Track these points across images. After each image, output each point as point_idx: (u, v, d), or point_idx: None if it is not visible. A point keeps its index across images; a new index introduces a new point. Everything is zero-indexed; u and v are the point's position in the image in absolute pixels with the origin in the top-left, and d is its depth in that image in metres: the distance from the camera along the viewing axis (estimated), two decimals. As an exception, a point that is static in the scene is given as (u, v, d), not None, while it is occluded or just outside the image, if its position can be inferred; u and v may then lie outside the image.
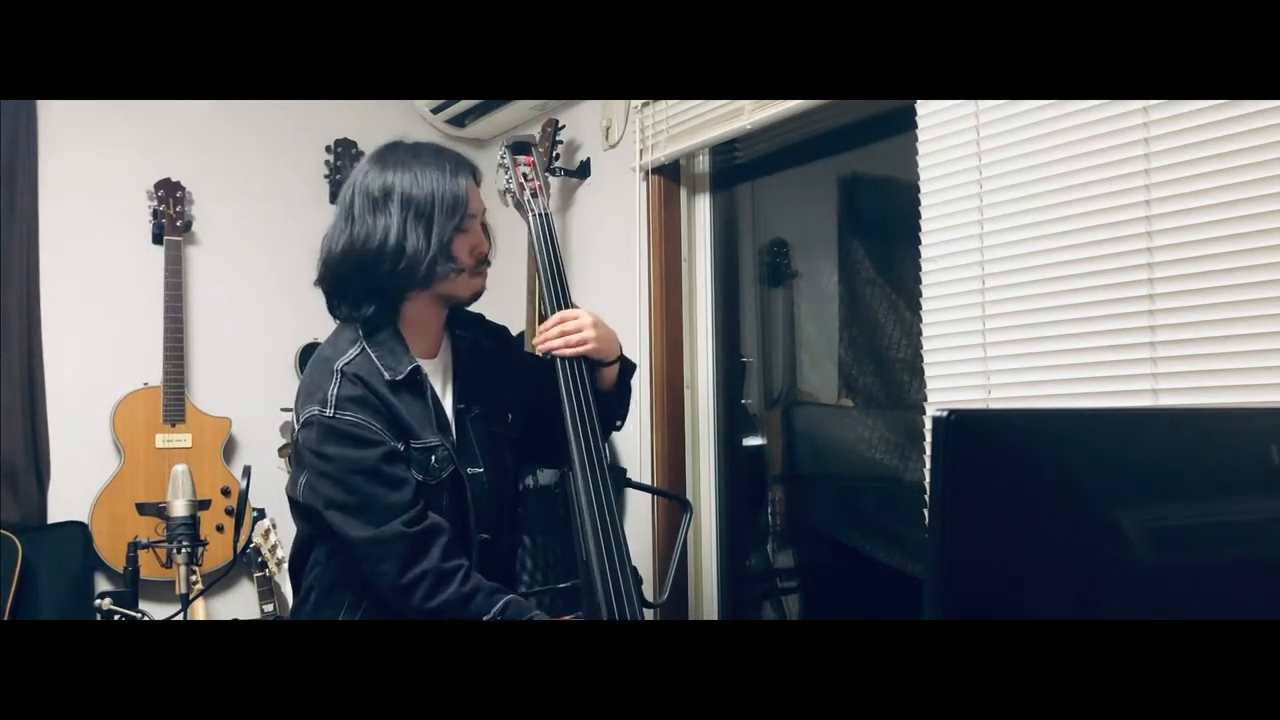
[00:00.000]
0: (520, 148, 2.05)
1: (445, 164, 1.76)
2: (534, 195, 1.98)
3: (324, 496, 1.70)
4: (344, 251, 1.74)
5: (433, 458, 1.73)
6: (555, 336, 1.85)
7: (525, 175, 2.00)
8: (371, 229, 1.72)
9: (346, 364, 1.72)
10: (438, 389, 1.81)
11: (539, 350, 1.87)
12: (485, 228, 1.84)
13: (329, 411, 1.68)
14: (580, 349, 1.84)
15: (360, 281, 1.75)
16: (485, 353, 1.90)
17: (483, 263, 1.81)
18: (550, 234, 1.95)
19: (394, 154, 1.78)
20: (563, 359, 1.85)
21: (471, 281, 1.81)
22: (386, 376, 1.72)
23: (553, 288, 1.92)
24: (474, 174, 1.82)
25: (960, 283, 1.98)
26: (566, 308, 1.90)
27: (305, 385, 1.76)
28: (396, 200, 1.72)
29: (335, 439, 1.68)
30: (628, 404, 1.98)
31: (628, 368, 1.96)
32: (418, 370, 1.76)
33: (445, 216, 1.72)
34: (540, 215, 1.96)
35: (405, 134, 1.85)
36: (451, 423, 1.80)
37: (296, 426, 1.76)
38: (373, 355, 1.73)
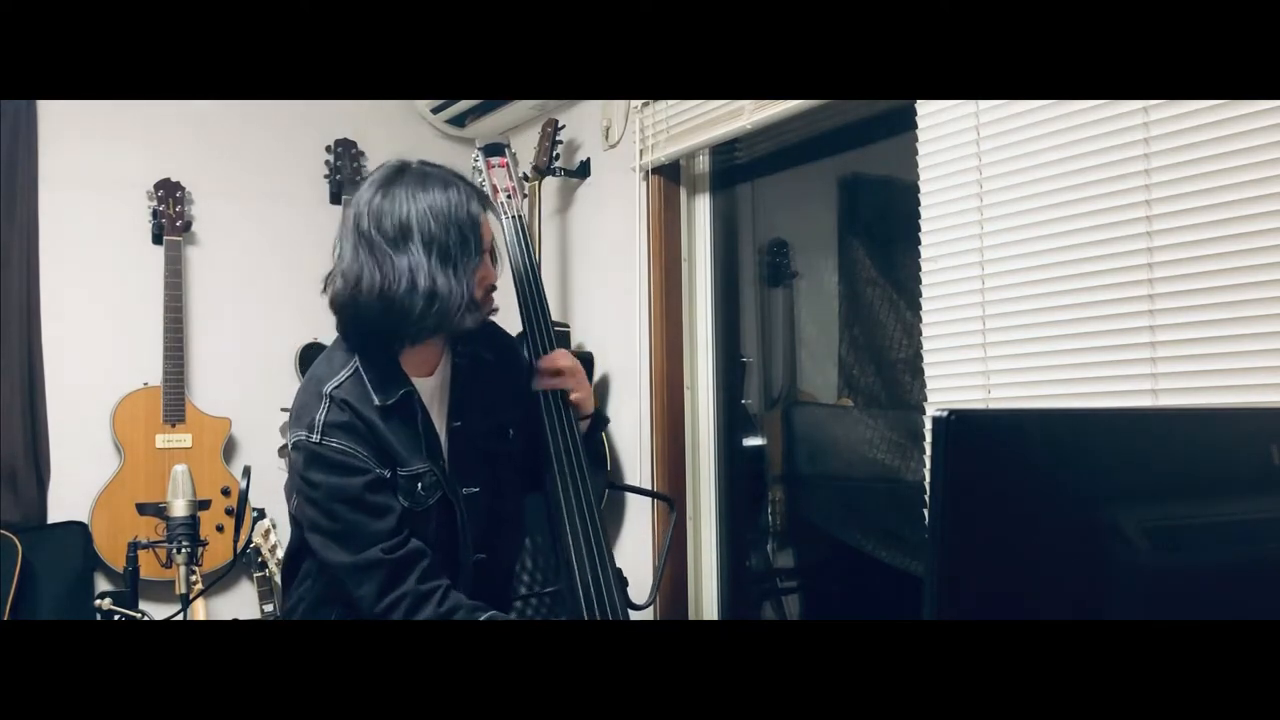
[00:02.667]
0: (493, 150, 2.04)
1: (458, 194, 1.67)
2: (509, 198, 1.98)
3: (308, 520, 1.69)
4: (378, 293, 1.63)
5: (420, 484, 1.70)
6: (549, 377, 1.86)
7: (499, 178, 2.00)
8: (400, 270, 1.62)
9: (336, 388, 1.68)
10: (433, 408, 1.76)
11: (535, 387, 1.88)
12: (494, 253, 1.79)
13: (315, 437, 1.66)
14: (564, 384, 1.87)
15: (385, 323, 1.67)
16: (486, 367, 1.82)
17: (491, 290, 1.76)
18: (524, 237, 1.95)
19: (402, 182, 1.67)
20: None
21: (482, 314, 1.75)
22: (376, 401, 1.68)
23: (526, 290, 1.92)
24: (482, 200, 1.74)
25: (960, 283, 1.98)
26: (540, 310, 1.90)
27: (296, 406, 1.73)
28: (417, 239, 1.63)
29: (321, 466, 1.66)
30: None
31: (600, 423, 1.96)
32: (409, 395, 1.71)
33: (468, 255, 1.65)
34: (514, 218, 1.96)
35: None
36: (445, 444, 1.76)
37: (288, 446, 1.74)
38: (365, 378, 1.69)
